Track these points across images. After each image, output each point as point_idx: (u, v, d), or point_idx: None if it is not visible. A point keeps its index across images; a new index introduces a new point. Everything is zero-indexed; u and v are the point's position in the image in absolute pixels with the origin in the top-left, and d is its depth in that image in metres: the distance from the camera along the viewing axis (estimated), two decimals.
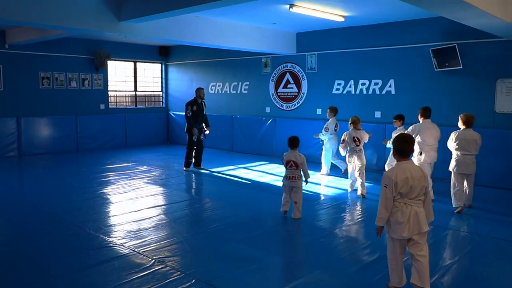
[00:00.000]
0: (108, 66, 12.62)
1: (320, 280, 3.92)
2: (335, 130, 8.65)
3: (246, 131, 11.79)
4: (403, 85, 8.89)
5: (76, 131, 12.01)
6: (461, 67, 7.92)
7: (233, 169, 9.46)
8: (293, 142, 5.78)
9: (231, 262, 4.31)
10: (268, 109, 11.46)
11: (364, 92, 9.48)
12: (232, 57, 11.94)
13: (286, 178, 5.82)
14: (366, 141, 7.20)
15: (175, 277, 3.89)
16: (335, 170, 8.99)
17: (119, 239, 4.90)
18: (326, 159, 8.79)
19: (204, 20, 8.75)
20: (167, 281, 3.82)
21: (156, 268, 4.09)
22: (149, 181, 8.08)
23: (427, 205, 3.51)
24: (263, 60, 11.45)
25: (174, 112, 14.00)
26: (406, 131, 6.51)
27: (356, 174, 7.06)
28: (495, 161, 7.68)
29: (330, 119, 8.67)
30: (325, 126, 8.65)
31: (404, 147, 3.49)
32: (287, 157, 5.77)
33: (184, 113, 9.20)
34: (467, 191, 6.19)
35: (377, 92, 9.27)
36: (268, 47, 10.09)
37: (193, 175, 8.87)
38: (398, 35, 8.84)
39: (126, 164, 9.92)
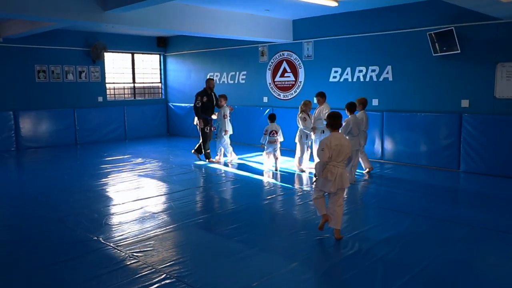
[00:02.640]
0: (105, 58, 12.53)
1: (298, 273, 3.76)
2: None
3: (244, 122, 11.57)
4: (400, 72, 8.61)
5: (75, 124, 11.97)
6: (459, 51, 7.61)
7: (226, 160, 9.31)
8: (274, 117, 8.19)
9: (207, 256, 4.18)
10: (265, 99, 11.26)
11: (361, 79, 9.22)
12: (229, 46, 11.73)
13: (269, 142, 8.06)
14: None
15: (145, 273, 3.77)
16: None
17: (96, 234, 4.80)
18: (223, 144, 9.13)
19: (194, 8, 8.55)
20: (136, 276, 3.71)
21: (128, 263, 3.98)
22: (140, 174, 7.98)
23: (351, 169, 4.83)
24: (259, 48, 11.22)
25: (174, 104, 13.87)
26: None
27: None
28: (494, 148, 7.41)
29: (225, 106, 8.99)
30: (222, 114, 8.91)
31: (334, 122, 4.51)
32: (270, 127, 8.08)
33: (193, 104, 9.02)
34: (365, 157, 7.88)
35: (374, 79, 9.00)
36: (264, 35, 9.86)
37: (180, 167, 8.75)
38: (394, 19, 8.54)
39: (121, 157, 9.84)
